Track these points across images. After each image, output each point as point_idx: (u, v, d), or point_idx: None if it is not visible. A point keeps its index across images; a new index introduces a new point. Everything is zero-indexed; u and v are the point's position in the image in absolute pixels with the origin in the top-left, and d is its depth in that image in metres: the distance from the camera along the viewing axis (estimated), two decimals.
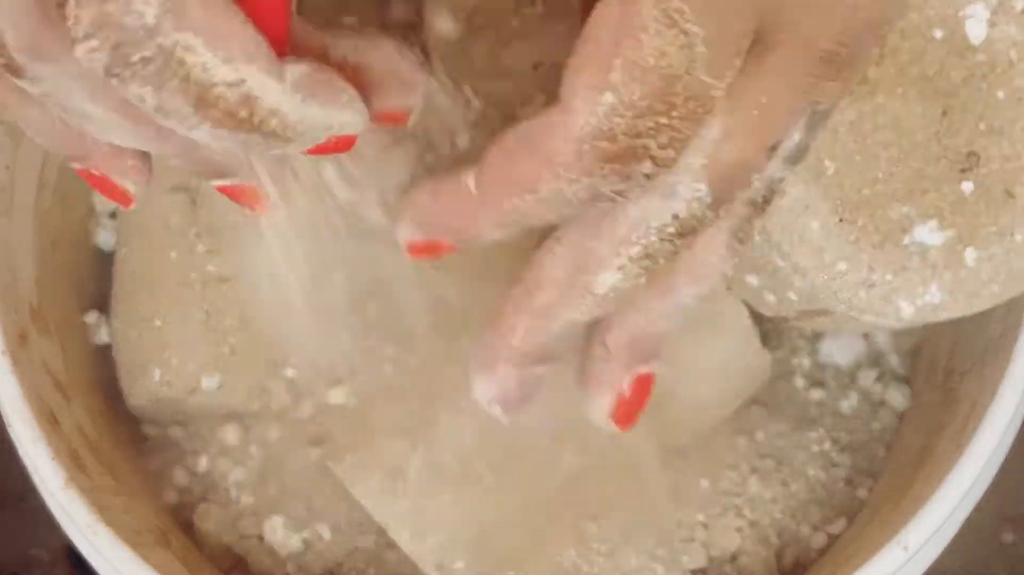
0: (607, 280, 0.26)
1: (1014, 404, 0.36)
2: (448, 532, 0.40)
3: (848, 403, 0.43)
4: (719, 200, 0.25)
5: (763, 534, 0.41)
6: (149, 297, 0.43)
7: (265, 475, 0.41)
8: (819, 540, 0.41)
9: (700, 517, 0.40)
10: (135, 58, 0.21)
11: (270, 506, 0.41)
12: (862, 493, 0.42)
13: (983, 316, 0.40)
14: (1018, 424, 0.37)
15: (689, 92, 0.23)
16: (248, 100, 0.23)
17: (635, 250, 0.25)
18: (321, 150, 0.25)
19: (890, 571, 0.35)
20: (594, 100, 0.23)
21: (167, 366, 0.42)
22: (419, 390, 0.41)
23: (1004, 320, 0.38)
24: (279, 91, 0.23)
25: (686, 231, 0.25)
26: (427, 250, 0.27)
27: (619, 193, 0.24)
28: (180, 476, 0.42)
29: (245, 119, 0.23)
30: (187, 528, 0.41)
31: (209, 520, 0.41)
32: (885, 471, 0.42)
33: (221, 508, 0.41)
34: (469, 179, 0.25)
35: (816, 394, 0.43)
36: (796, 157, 0.26)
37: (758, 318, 0.42)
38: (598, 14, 0.23)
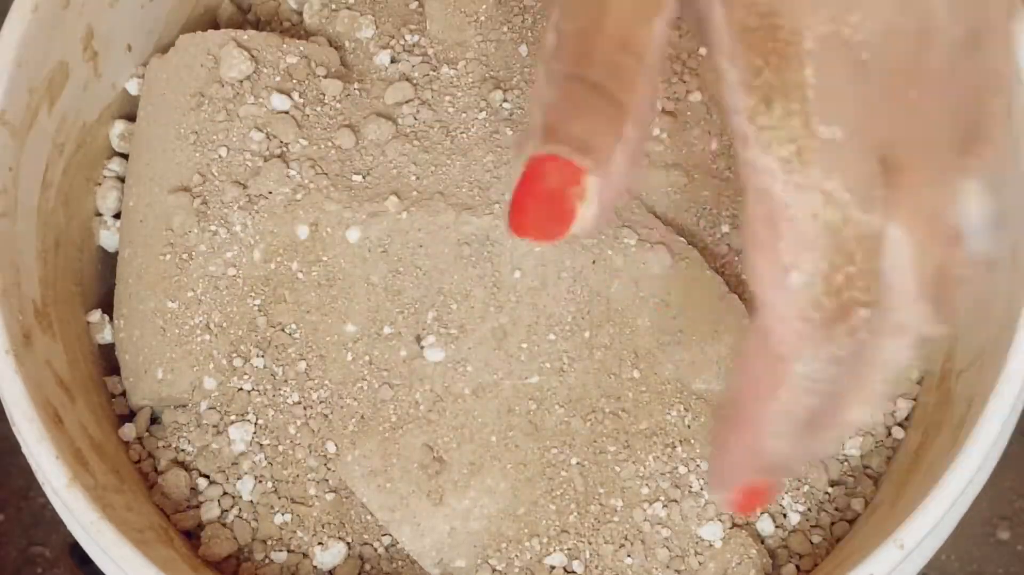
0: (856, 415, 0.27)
1: (1010, 404, 0.36)
2: (448, 531, 0.40)
3: None
4: (943, 310, 0.26)
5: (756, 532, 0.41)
6: (152, 297, 0.43)
7: (268, 474, 0.41)
8: (816, 537, 0.41)
9: (693, 516, 0.40)
10: None
11: (273, 505, 0.41)
12: (859, 492, 0.42)
13: (980, 316, 0.41)
14: (1014, 423, 0.37)
15: (857, 234, 0.24)
16: None
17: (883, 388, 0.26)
18: None
19: (887, 569, 0.35)
20: (783, 286, 0.24)
21: (170, 366, 0.42)
22: (422, 390, 0.41)
23: (1001, 320, 0.38)
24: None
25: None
26: (750, 497, 0.28)
27: (853, 352, 0.25)
28: (182, 475, 0.42)
29: None
30: (190, 527, 0.41)
31: (212, 519, 0.41)
32: (882, 470, 0.42)
33: (224, 507, 0.41)
34: (726, 434, 0.27)
35: None
36: (993, 222, 0.26)
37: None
38: (749, 217, 0.25)
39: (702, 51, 0.46)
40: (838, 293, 0.24)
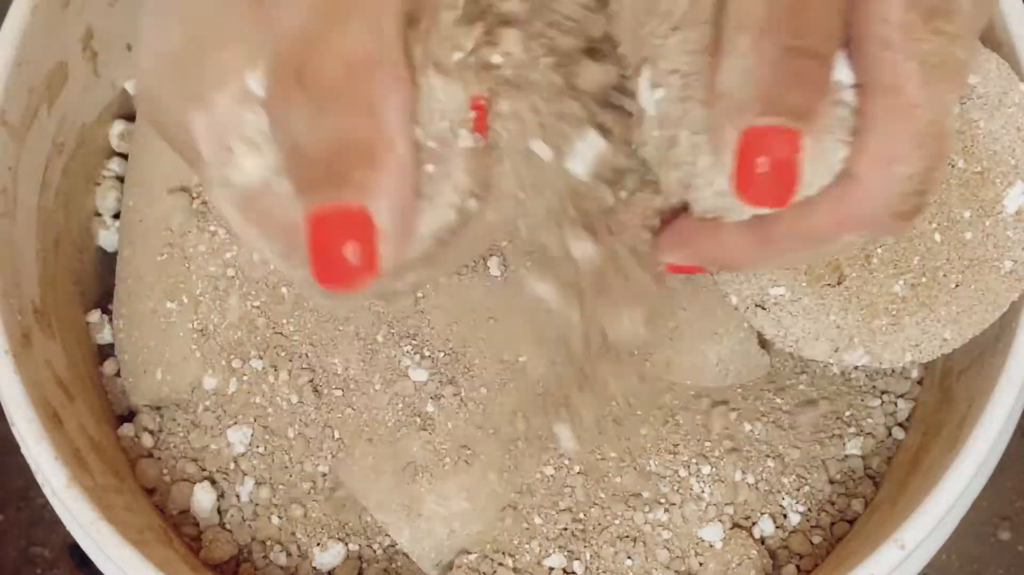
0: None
1: (1010, 404, 0.36)
2: (447, 532, 0.40)
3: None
4: None
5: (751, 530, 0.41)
6: (152, 297, 0.43)
7: (267, 476, 0.41)
8: (817, 538, 0.41)
9: (695, 519, 0.40)
10: None
11: (273, 506, 0.41)
12: (860, 492, 0.42)
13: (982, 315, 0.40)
14: (1014, 424, 0.37)
15: (946, 140, 0.28)
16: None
17: None
18: None
19: (887, 569, 0.35)
20: (886, 174, 0.27)
21: (169, 366, 0.42)
22: (422, 393, 0.41)
23: (1001, 320, 0.38)
24: None
25: None
26: (685, 271, 0.31)
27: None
28: (183, 475, 0.42)
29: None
30: (189, 528, 0.41)
31: (212, 520, 0.41)
32: (882, 470, 0.42)
33: (224, 508, 0.41)
34: (752, 226, 0.29)
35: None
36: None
37: None
38: (867, 109, 0.27)
39: None
40: (922, 193, 0.28)
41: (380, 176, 0.24)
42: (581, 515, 0.40)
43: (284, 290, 0.42)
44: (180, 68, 0.26)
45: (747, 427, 0.41)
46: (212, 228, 0.43)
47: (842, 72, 0.27)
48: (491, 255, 0.42)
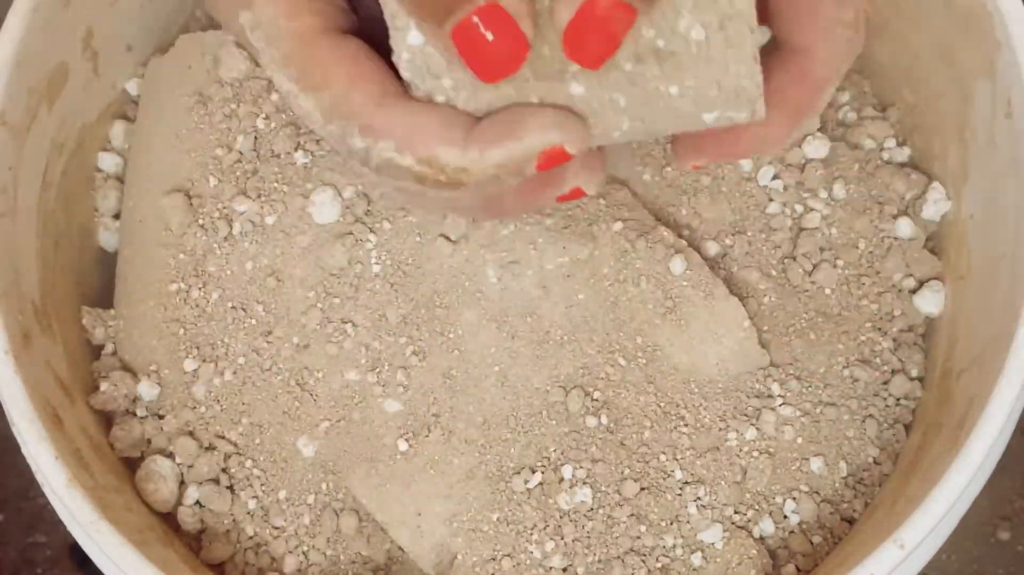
0: None
1: (1010, 403, 0.36)
2: (447, 533, 0.40)
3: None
4: None
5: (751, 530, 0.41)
6: (151, 297, 0.43)
7: (268, 476, 0.41)
8: (817, 538, 0.41)
9: (695, 519, 0.40)
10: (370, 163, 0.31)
11: (273, 507, 0.41)
12: (860, 492, 0.42)
13: (980, 316, 0.41)
14: (1014, 423, 0.37)
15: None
16: (435, 166, 0.31)
17: None
18: (546, 162, 0.31)
19: (887, 569, 0.35)
20: (832, 35, 0.33)
21: (169, 366, 0.42)
22: (421, 395, 0.41)
23: (1001, 320, 0.38)
24: (462, 156, 0.30)
25: None
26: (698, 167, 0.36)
27: None
28: (184, 475, 0.42)
29: (441, 180, 0.31)
30: (190, 528, 0.41)
31: (212, 519, 0.41)
32: (883, 470, 0.42)
33: (224, 509, 0.41)
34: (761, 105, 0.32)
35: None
36: None
37: (758, 319, 0.43)
38: None
39: None
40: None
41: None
42: (582, 515, 0.40)
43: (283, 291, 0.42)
44: None
45: (747, 427, 0.41)
46: (211, 228, 0.43)
47: None
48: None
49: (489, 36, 0.28)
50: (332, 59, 0.31)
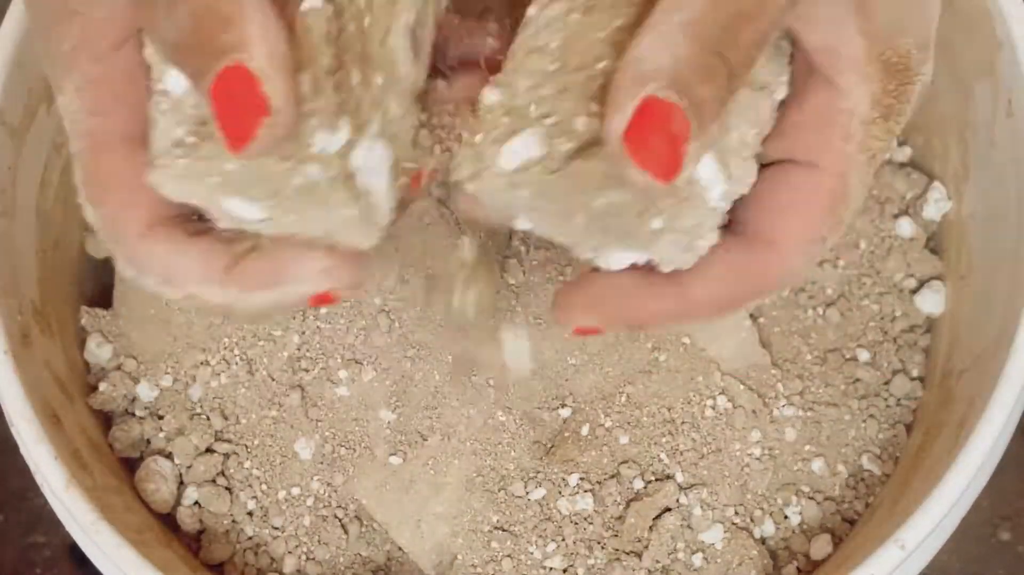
0: None
1: (1011, 404, 0.36)
2: (447, 534, 0.40)
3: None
4: None
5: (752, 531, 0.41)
6: (150, 298, 0.43)
7: (269, 477, 0.41)
8: (819, 541, 0.41)
9: (695, 520, 0.40)
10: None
11: (273, 508, 0.41)
12: (860, 492, 0.42)
13: (981, 316, 0.40)
14: (1015, 424, 0.37)
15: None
16: (201, 302, 0.29)
17: None
18: (315, 303, 0.29)
19: (888, 569, 0.35)
20: (811, 248, 0.29)
21: (169, 366, 0.42)
22: (420, 395, 0.41)
23: (1001, 320, 0.38)
24: (222, 295, 0.29)
25: None
26: (591, 332, 0.31)
27: None
28: (183, 475, 0.42)
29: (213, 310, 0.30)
30: (190, 529, 0.41)
31: (211, 519, 0.41)
32: (883, 470, 0.42)
33: (224, 510, 0.41)
34: (683, 287, 0.29)
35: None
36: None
37: (759, 319, 0.43)
38: (798, 186, 0.30)
39: None
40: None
41: (243, 30, 0.25)
42: (583, 517, 0.40)
43: None
44: None
45: (748, 428, 0.41)
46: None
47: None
48: None
49: (237, 96, 0.25)
50: (113, 174, 0.29)
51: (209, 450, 0.41)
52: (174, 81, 0.28)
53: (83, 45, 0.28)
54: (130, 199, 0.29)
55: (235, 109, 0.25)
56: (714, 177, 0.28)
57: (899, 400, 0.43)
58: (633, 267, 0.29)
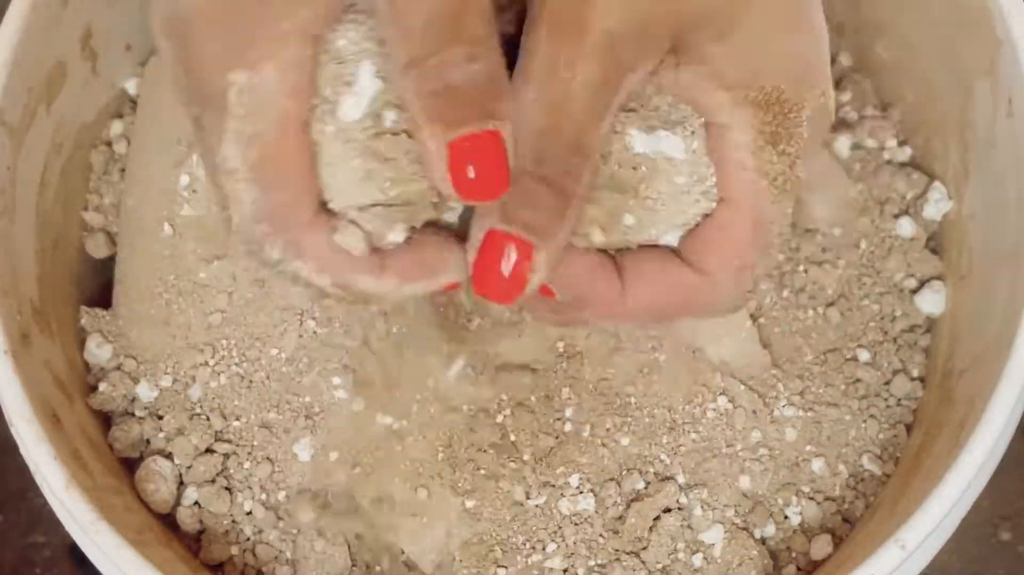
0: None
1: (1011, 404, 0.36)
2: (447, 534, 0.40)
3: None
4: None
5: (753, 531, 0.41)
6: (150, 298, 0.43)
7: (269, 478, 0.41)
8: (820, 541, 0.41)
9: (695, 520, 0.40)
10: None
11: (273, 508, 0.41)
12: (860, 492, 0.42)
13: (981, 316, 0.40)
14: (1015, 424, 0.37)
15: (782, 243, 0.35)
16: (351, 290, 0.32)
17: None
18: (448, 289, 0.33)
19: (888, 570, 0.35)
20: (738, 275, 0.33)
21: (168, 367, 0.42)
22: (420, 396, 0.41)
23: (1001, 320, 0.38)
24: (377, 284, 0.32)
25: None
26: (544, 292, 0.33)
27: None
28: (183, 475, 0.42)
29: (346, 298, 0.32)
30: (190, 530, 0.41)
31: (210, 520, 0.41)
32: (883, 470, 0.42)
33: (224, 511, 0.41)
34: (624, 289, 0.33)
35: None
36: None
37: (759, 319, 0.43)
38: (720, 225, 0.33)
39: None
40: (756, 285, 0.34)
41: (504, 106, 0.29)
42: (583, 517, 0.40)
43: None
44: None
45: (749, 428, 0.41)
46: (209, 226, 0.43)
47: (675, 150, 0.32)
48: None
49: (481, 163, 0.29)
50: (296, 159, 0.30)
51: (209, 450, 0.41)
52: (365, 80, 0.30)
53: (296, 29, 0.30)
54: (306, 186, 0.30)
55: (482, 168, 0.29)
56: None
57: (899, 400, 0.43)
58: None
